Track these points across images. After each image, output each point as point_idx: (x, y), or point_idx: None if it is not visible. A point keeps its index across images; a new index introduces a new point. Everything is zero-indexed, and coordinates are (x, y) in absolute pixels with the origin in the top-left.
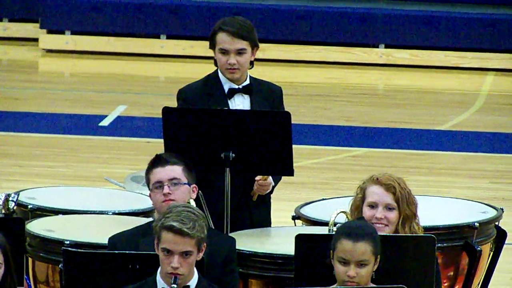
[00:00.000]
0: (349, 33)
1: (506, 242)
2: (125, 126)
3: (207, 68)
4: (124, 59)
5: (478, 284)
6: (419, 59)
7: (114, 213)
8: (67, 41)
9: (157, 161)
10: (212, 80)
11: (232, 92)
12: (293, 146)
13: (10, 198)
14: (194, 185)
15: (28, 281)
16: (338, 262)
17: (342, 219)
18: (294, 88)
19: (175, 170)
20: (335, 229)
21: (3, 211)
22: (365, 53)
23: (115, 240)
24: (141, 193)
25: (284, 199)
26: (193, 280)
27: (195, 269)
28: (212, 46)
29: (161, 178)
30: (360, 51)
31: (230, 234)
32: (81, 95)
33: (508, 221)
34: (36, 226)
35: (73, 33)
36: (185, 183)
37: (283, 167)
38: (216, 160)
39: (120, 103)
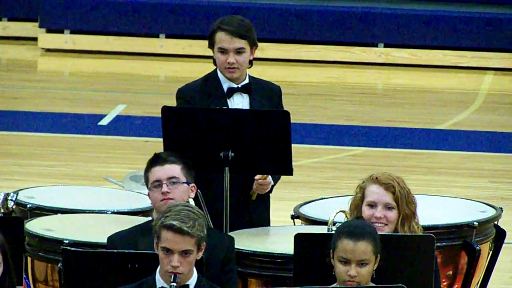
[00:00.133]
0: (348, 32)
1: (505, 241)
2: (124, 125)
3: (206, 67)
4: (123, 58)
5: (477, 283)
6: (418, 58)
7: (113, 212)
8: (66, 40)
9: (155, 160)
10: (211, 79)
11: (231, 91)
12: (292, 145)
13: (9, 197)
14: (193, 184)
15: (27, 281)
16: (338, 261)
17: (341, 218)
18: (293, 87)
19: (174, 169)
20: (334, 228)
21: (2, 210)
22: (364, 53)
23: (114, 239)
24: (140, 192)
25: (283, 198)
26: (192, 279)
27: (194, 268)
28: (211, 45)
29: (159, 177)
30: (359, 51)
31: (229, 233)
32: (80, 94)
33: (507, 220)
34: (35, 226)
35: (72, 32)
36: (183, 182)
37: (282, 166)
38: (215, 159)
39: (119, 102)
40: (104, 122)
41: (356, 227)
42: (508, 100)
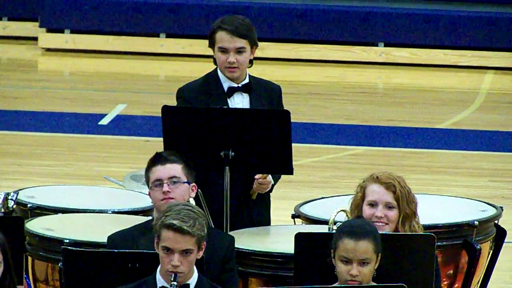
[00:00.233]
0: (348, 31)
1: (505, 240)
2: (125, 125)
3: (207, 67)
4: (123, 57)
5: (478, 282)
6: (418, 57)
7: (114, 212)
8: (67, 40)
9: (157, 159)
10: (211, 78)
11: (232, 91)
12: (293, 144)
13: (10, 197)
14: (193, 183)
15: (27, 280)
16: (340, 261)
17: (342, 217)
18: (293, 86)
19: (175, 169)
20: (335, 227)
21: (2, 210)
22: (364, 52)
23: (114, 238)
24: (141, 192)
25: (283, 198)
26: (193, 279)
27: (194, 268)
28: (212, 45)
29: (160, 176)
30: (360, 50)
31: (230, 233)
32: (80, 94)
33: (508, 220)
34: (36, 225)
35: (72, 32)
36: (184, 182)
37: (282, 165)
38: (215, 159)
39: (120, 101)
40: (104, 121)
41: (357, 226)
42: (508, 99)
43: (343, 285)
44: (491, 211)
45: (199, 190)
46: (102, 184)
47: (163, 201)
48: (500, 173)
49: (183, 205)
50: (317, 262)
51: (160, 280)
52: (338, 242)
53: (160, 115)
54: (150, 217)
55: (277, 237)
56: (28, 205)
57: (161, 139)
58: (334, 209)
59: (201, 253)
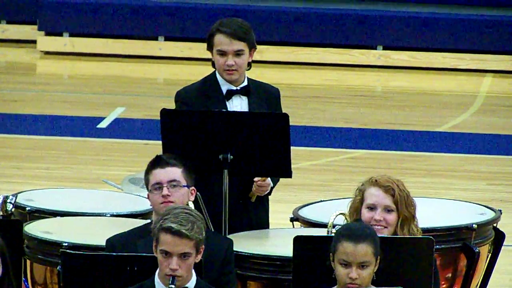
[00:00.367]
0: (347, 34)
1: (504, 243)
2: (123, 128)
3: (205, 70)
4: (122, 61)
5: (477, 285)
6: (417, 60)
7: (112, 215)
8: (65, 43)
9: (157, 162)
10: (210, 81)
11: (230, 94)
12: (291, 147)
13: (8, 200)
14: (193, 187)
15: (26, 283)
16: (339, 264)
17: (341, 221)
18: (292, 89)
19: (175, 172)
20: (333, 230)
21: (1, 213)
22: (363, 55)
23: (113, 241)
24: (139, 195)
25: (282, 201)
26: (191, 282)
27: (193, 271)
28: (210, 48)
29: (160, 180)
30: (358, 53)
31: (229, 236)
32: (79, 97)
33: (506, 223)
34: (34, 228)
35: (71, 35)
36: (184, 186)
37: (281, 168)
38: (214, 162)
39: (118, 105)
40: (103, 124)
41: (356, 229)
42: (507, 102)
43: None
44: (490, 214)
45: (198, 193)
46: (100, 187)
47: (162, 205)
48: (499, 176)
49: (182, 208)
50: (316, 265)
51: (158, 283)
52: (337, 245)
53: (159, 118)
54: (148, 220)
55: (276, 240)
56: (27, 208)
57: (160, 142)
58: (333, 212)
59: (199, 257)
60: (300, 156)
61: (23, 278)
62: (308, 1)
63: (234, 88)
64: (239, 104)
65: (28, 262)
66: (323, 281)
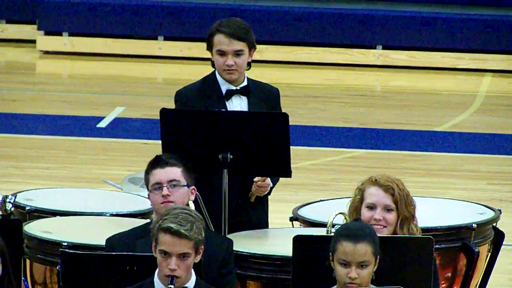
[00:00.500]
0: (346, 34)
1: (503, 243)
2: (123, 128)
3: (205, 70)
4: (121, 60)
5: (476, 285)
6: (416, 60)
7: (112, 215)
8: (65, 42)
9: (156, 162)
10: (209, 81)
11: (230, 94)
12: (291, 147)
13: (8, 200)
14: (193, 187)
15: (25, 283)
16: (338, 264)
17: (340, 220)
18: (291, 89)
19: (175, 172)
20: (333, 230)
21: (0, 213)
22: (362, 55)
23: (112, 241)
24: (139, 195)
25: (281, 201)
26: (191, 282)
27: (192, 271)
28: (210, 48)
29: (160, 180)
30: (358, 53)
31: (228, 236)
32: (78, 97)
33: (506, 222)
34: (34, 228)
35: (70, 34)
36: (184, 185)
37: (280, 168)
38: (214, 162)
39: (118, 104)
40: (102, 124)
41: (355, 229)
42: (507, 102)
43: None
44: (489, 214)
45: (197, 193)
46: (100, 186)
47: (162, 204)
48: (498, 176)
49: (181, 209)
50: (316, 265)
51: (158, 283)
52: (337, 245)
53: (158, 117)
54: (148, 220)
55: (275, 240)
56: (26, 208)
57: (160, 141)
58: (332, 212)
59: (198, 257)
60: (300, 155)
61: (23, 278)
62: (308, 1)
63: (234, 88)
64: (238, 104)
65: (27, 261)
66: (322, 280)
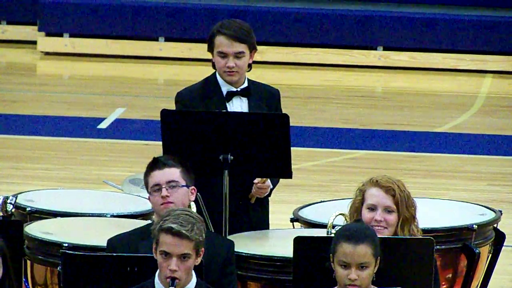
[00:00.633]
0: (347, 35)
1: (504, 244)
2: (124, 129)
3: (206, 71)
4: (122, 61)
5: (477, 286)
6: (417, 61)
7: (113, 216)
8: (66, 43)
9: (154, 164)
10: (210, 82)
11: (230, 95)
12: (292, 148)
13: (9, 201)
14: (192, 187)
15: (26, 284)
16: (339, 265)
17: (341, 221)
18: (292, 90)
19: (173, 173)
20: (333, 231)
21: (1, 214)
22: (363, 55)
23: (114, 242)
24: (140, 196)
25: (282, 202)
26: (192, 283)
27: (193, 272)
28: (210, 49)
29: (159, 181)
30: (358, 53)
31: (229, 237)
32: (79, 98)
33: (507, 223)
34: (35, 229)
35: (71, 35)
36: (183, 185)
37: (281, 169)
38: (214, 163)
39: (119, 105)
40: (103, 125)
41: (355, 230)
42: (507, 103)
43: None
44: (490, 215)
45: (198, 194)
46: (101, 187)
47: (162, 206)
48: (499, 177)
49: (182, 210)
50: (316, 266)
51: (158, 284)
52: (337, 246)
53: (159, 119)
54: (149, 221)
55: (276, 241)
56: (27, 209)
57: (160, 143)
58: (332, 213)
59: (199, 259)
60: (300, 156)
61: (24, 279)
62: (308, 1)
63: (234, 89)
64: (239, 106)
65: (28, 262)
66: (323, 282)
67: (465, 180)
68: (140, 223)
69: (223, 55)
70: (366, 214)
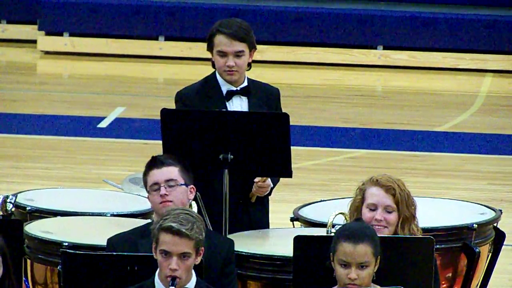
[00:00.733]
0: (347, 34)
1: (504, 243)
2: (124, 128)
3: (205, 70)
4: (122, 60)
5: (477, 285)
6: (417, 60)
7: (113, 215)
8: (66, 42)
9: (153, 163)
10: (210, 82)
11: (230, 94)
12: (292, 147)
13: (8, 200)
14: (191, 185)
15: (26, 283)
16: (339, 264)
17: (341, 220)
18: (292, 89)
19: (171, 171)
20: (333, 230)
21: (1, 213)
22: (363, 55)
23: (113, 241)
24: (139, 195)
25: (282, 201)
26: (191, 283)
27: (193, 272)
28: (210, 48)
29: (157, 180)
30: (358, 53)
31: (229, 236)
32: (79, 97)
33: (507, 222)
34: (35, 228)
35: (71, 34)
36: (182, 184)
37: (281, 168)
38: (214, 162)
39: (119, 104)
40: (103, 124)
41: (355, 229)
42: (507, 102)
43: None
44: (490, 214)
45: (197, 193)
46: (101, 187)
47: (161, 205)
48: (499, 176)
49: (181, 209)
50: (316, 265)
51: (158, 283)
52: (337, 245)
53: (159, 118)
54: (149, 220)
55: (276, 240)
56: (27, 208)
57: (160, 142)
58: (332, 212)
59: (199, 259)
60: (300, 156)
61: (24, 278)
62: (308, 1)
63: (234, 88)
64: (239, 105)
65: (28, 261)
66: (323, 281)
67: (465, 179)
68: (140, 222)
69: (223, 54)
70: (366, 213)
